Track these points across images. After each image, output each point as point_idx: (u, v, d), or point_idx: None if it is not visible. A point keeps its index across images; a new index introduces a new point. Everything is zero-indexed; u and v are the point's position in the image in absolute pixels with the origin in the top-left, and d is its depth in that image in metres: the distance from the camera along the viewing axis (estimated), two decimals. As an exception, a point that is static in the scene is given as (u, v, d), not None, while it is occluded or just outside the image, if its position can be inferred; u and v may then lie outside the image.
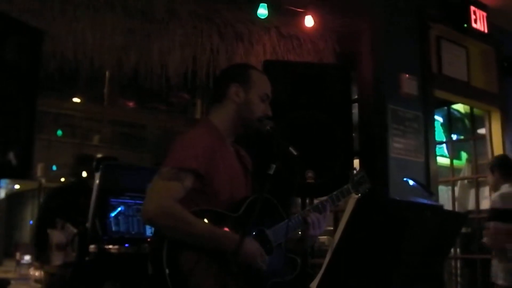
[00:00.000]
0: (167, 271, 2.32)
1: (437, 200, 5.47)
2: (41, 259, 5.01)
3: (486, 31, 6.23)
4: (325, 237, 6.17)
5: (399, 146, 5.35)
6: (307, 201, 4.85)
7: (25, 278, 12.49)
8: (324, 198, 2.97)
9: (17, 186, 21.70)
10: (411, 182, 4.11)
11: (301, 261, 2.79)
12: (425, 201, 3.91)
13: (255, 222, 2.55)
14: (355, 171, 3.19)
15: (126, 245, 3.99)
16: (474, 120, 7.26)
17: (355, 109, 5.41)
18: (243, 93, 2.79)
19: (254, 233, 2.59)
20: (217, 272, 2.38)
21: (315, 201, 4.76)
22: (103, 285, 4.10)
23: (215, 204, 2.57)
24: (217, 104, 2.85)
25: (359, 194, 3.09)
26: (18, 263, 16.69)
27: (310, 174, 4.51)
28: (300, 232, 2.88)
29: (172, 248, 2.37)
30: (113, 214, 4.11)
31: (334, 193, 2.99)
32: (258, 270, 2.50)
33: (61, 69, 4.76)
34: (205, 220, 2.46)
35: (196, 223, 2.41)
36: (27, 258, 14.69)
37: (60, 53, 4.66)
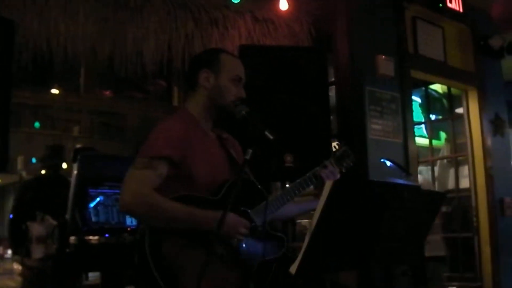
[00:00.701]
0: (151, 259, 2.35)
1: (416, 180, 5.50)
2: (19, 253, 4.98)
3: (461, 10, 6.25)
4: (306, 220, 6.18)
5: (377, 127, 5.35)
6: (287, 184, 4.85)
7: (10, 272, 12.42)
8: (307, 174, 3.00)
9: (-4, 180, 21.52)
10: (388, 163, 4.12)
11: (286, 239, 2.82)
12: (403, 181, 3.92)
13: (238, 204, 2.57)
14: (336, 146, 3.19)
15: (106, 235, 3.98)
16: (452, 100, 7.29)
17: (332, 92, 5.42)
18: (213, 78, 2.81)
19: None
20: (203, 256, 2.36)
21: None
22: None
23: (195, 190, 2.60)
24: (191, 92, 2.88)
25: (343, 169, 3.12)
26: (2, 257, 16.58)
27: (288, 158, 4.51)
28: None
29: (155, 236, 2.41)
30: (92, 205, 4.10)
31: (317, 168, 3.01)
32: (244, 249, 2.56)
33: (35, 60, 4.70)
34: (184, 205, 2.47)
35: (172, 207, 2.45)
36: (11, 252, 14.60)
37: (33, 43, 4.59)
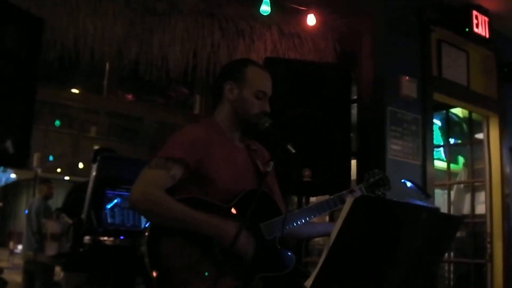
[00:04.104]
0: (147, 256, 2.40)
1: (433, 202, 5.46)
2: None
3: (487, 36, 6.21)
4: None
5: (396, 148, 5.34)
6: (303, 199, 4.85)
7: (18, 267, 12.49)
8: (332, 197, 2.95)
9: (13, 175, 21.68)
10: (408, 184, 4.11)
11: (296, 257, 2.79)
12: (421, 203, 3.91)
13: (249, 216, 2.56)
14: (373, 171, 3.13)
15: (121, 237, 3.99)
16: (472, 125, 7.24)
17: (354, 110, 5.41)
18: (237, 90, 2.81)
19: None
20: (199, 259, 2.44)
21: (311, 200, 4.76)
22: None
23: (214, 195, 2.61)
24: (218, 102, 2.89)
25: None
26: (12, 252, 16.66)
27: (307, 172, 4.51)
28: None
29: (155, 233, 2.45)
30: (109, 206, 4.12)
31: (343, 192, 2.98)
32: (245, 261, 2.52)
33: (61, 58, 4.74)
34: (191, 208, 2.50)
35: (175, 207, 2.47)
36: (21, 247, 14.69)
37: (60, 42, 4.64)
